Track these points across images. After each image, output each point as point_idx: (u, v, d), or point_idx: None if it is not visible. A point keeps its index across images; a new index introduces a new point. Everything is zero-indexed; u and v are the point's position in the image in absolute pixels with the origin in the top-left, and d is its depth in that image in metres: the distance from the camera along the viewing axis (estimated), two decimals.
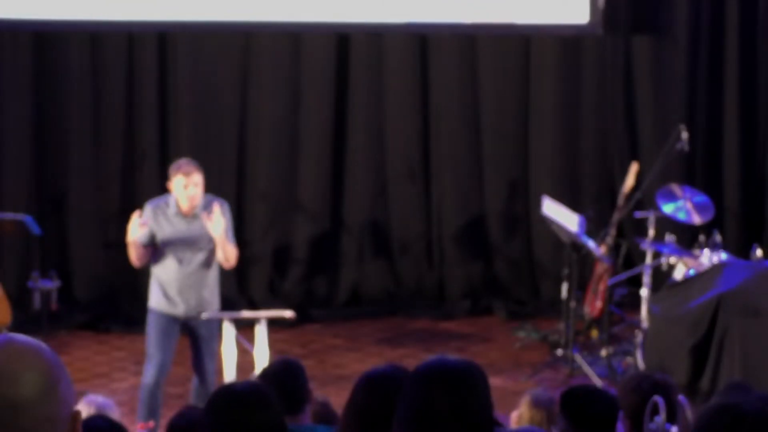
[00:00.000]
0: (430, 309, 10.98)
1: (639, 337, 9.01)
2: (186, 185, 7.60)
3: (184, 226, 7.65)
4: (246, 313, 8.05)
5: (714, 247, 9.09)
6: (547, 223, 9.61)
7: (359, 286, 11.13)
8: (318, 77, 10.89)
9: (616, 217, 9.72)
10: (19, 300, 9.58)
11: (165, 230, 7.66)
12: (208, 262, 7.71)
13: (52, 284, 8.57)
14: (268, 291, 10.95)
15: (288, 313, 8.01)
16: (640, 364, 8.78)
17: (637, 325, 9.40)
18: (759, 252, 9.03)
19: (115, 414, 5.29)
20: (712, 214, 9.46)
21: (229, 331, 7.65)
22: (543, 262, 11.14)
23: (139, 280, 9.78)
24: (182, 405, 6.13)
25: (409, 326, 10.67)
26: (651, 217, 9.39)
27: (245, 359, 7.81)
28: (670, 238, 9.34)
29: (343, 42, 10.92)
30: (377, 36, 10.95)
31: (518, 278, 11.19)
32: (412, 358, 8.92)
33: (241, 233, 10.74)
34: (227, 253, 7.65)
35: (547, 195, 9.76)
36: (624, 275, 10.10)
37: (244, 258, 10.77)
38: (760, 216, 11.17)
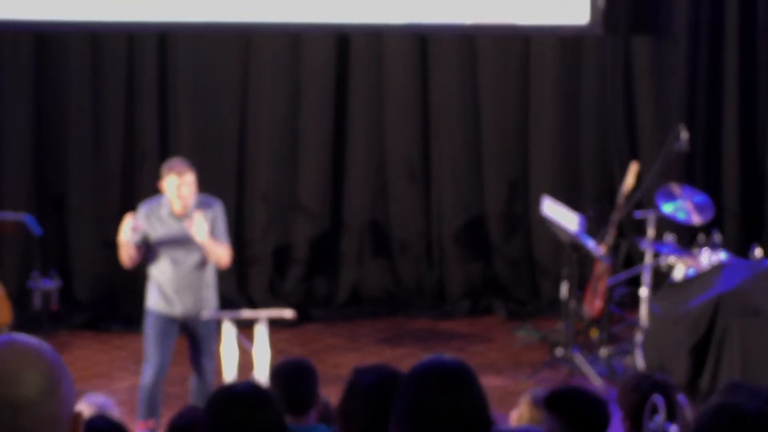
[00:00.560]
0: (430, 309, 10.98)
1: (639, 337, 9.01)
2: (179, 185, 7.53)
3: (176, 227, 7.60)
4: (246, 313, 8.02)
5: (713, 247, 9.10)
6: (546, 224, 9.61)
7: (359, 285, 11.14)
8: (318, 77, 10.89)
9: (616, 216, 9.72)
10: (20, 300, 9.59)
11: (158, 231, 7.61)
12: (203, 262, 7.67)
13: (53, 284, 8.56)
14: (268, 291, 10.94)
15: (288, 313, 7.99)
16: (640, 363, 8.78)
17: (636, 324, 9.39)
18: (758, 252, 9.03)
19: (116, 414, 5.29)
20: (712, 214, 9.45)
21: (229, 330, 7.64)
22: (543, 262, 11.15)
23: (139, 280, 9.74)
24: (182, 405, 6.12)
25: (409, 326, 10.67)
26: (651, 217, 9.39)
27: (245, 359, 7.81)
28: (669, 237, 9.35)
29: (343, 42, 10.92)
30: (377, 36, 10.94)
31: (518, 278, 11.20)
32: (412, 358, 8.91)
33: (241, 233, 10.76)
34: (216, 256, 7.60)
35: (547, 195, 9.76)
36: (624, 275, 10.11)
37: (244, 258, 10.80)
38: (759, 216, 11.18)
